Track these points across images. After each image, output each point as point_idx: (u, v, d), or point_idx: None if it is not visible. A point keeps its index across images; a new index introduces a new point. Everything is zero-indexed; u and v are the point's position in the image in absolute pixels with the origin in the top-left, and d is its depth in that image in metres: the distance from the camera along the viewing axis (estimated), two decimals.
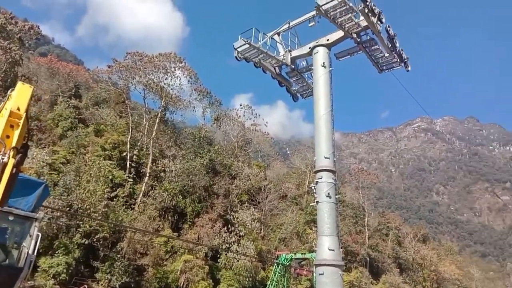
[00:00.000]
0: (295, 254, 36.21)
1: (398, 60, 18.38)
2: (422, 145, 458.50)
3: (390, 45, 17.75)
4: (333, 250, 14.51)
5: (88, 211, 35.72)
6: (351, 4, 15.64)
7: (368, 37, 17.68)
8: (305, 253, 36.14)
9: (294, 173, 68.70)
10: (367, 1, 15.25)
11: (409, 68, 18.82)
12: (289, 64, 20.00)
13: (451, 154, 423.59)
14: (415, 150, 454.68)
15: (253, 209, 47.46)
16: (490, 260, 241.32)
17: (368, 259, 52.24)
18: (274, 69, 20.68)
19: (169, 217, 44.91)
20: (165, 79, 54.23)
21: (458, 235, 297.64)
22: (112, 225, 35.44)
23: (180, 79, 55.98)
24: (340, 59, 19.63)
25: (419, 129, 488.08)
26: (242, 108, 65.73)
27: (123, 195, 43.19)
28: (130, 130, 50.51)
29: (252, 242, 42.88)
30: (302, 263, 39.46)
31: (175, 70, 55.03)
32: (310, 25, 18.64)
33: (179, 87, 56.61)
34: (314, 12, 17.38)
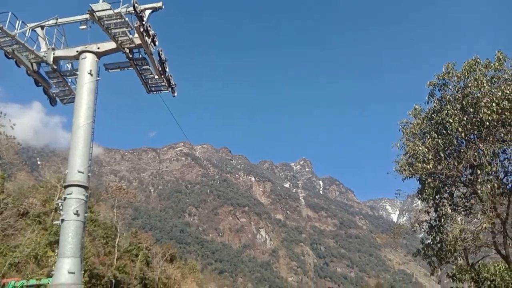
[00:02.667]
0: (27, 280, 31.21)
1: (167, 84, 19.15)
2: (182, 168, 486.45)
3: (160, 69, 18.33)
4: (73, 273, 13.28)
5: None
6: (127, 19, 15.43)
7: (140, 55, 17.77)
8: (40, 279, 31.71)
9: (42, 187, 60.37)
10: (143, 21, 15.38)
11: (175, 94, 19.80)
12: (51, 63, 17.87)
13: (205, 178, 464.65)
14: (175, 173, 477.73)
15: None
16: (225, 275, 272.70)
17: (114, 281, 50.40)
18: (32, 65, 18.04)
19: None
20: None
21: (202, 253, 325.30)
22: None
23: None
24: (109, 70, 18.92)
25: (181, 153, 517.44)
26: None
27: None
28: None
29: None
30: None
31: None
32: (81, 27, 17.36)
33: None
34: (87, 16, 16.31)
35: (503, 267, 22.45)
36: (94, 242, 51.48)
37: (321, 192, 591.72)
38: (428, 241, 19.98)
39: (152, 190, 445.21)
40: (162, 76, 18.70)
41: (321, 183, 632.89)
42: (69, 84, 19.50)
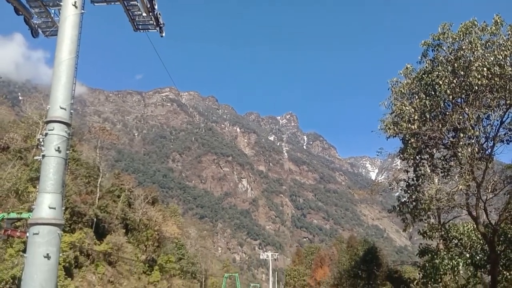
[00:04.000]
0: (8, 214, 31.34)
1: (155, 23, 18.27)
2: (167, 114, 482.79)
3: (149, 5, 17.39)
4: (54, 208, 13.29)
5: None
6: None
7: None
8: (21, 213, 31.87)
9: (24, 123, 59.21)
10: None
11: (163, 34, 18.90)
12: None
13: (190, 126, 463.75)
14: (160, 118, 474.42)
15: None
16: (206, 221, 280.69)
17: (95, 220, 51.19)
18: None
19: None
20: None
21: (184, 199, 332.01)
22: None
23: None
24: (95, 3, 17.79)
25: (166, 99, 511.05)
26: None
27: None
28: None
29: None
30: (17, 224, 34.90)
31: None
32: None
33: None
34: None
35: (471, 227, 23.55)
36: (76, 180, 51.65)
37: (304, 147, 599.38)
38: (404, 199, 20.59)
39: (136, 134, 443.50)
40: (150, 13, 17.76)
41: (305, 138, 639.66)
42: (52, 15, 18.42)
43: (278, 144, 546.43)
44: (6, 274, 35.46)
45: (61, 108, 14.87)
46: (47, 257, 11.18)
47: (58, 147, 14.34)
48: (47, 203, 13.46)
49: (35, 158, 15.60)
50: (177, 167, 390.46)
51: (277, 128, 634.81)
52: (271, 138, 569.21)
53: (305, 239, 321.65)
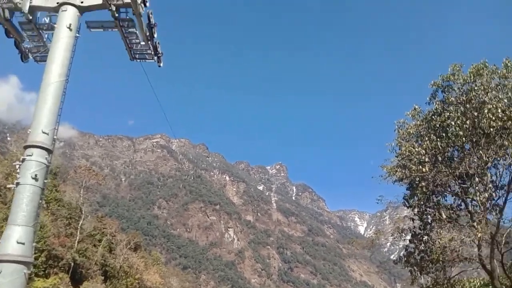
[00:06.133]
0: None
1: (153, 52, 17.56)
2: (156, 160, 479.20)
3: (148, 33, 16.69)
4: (23, 243, 11.52)
5: None
6: None
7: (127, 16, 16.12)
8: None
9: (7, 160, 57.21)
10: None
11: (161, 64, 18.16)
12: (26, 12, 15.95)
13: (179, 173, 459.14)
14: (148, 164, 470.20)
15: None
16: (189, 271, 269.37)
17: (72, 264, 47.85)
18: (3, 11, 16.08)
19: None
20: None
21: (168, 247, 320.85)
22: None
23: None
24: (91, 29, 17.08)
25: (157, 145, 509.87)
26: None
27: None
28: None
29: None
30: None
31: None
32: None
33: None
34: None
35: (478, 283, 21.88)
36: (56, 222, 48.86)
37: (293, 198, 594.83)
38: (410, 249, 19.08)
39: (123, 179, 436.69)
40: (149, 42, 17.05)
41: (295, 189, 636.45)
42: (45, 40, 17.58)
43: (267, 194, 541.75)
44: None
45: (43, 132, 13.42)
46: None
47: (35, 175, 12.73)
48: (15, 237, 11.62)
49: (8, 186, 13.98)
50: (163, 214, 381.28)
51: (267, 178, 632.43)
52: (260, 188, 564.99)
53: None
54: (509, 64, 15.61)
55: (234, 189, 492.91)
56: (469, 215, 17.31)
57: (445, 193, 18.50)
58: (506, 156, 15.31)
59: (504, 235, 16.85)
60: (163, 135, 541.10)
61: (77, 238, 50.48)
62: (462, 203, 18.05)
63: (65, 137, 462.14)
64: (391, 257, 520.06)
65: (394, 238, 22.76)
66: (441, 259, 17.87)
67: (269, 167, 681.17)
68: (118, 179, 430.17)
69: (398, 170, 16.77)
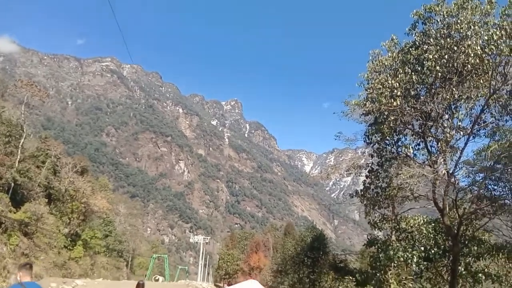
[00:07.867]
0: None
1: None
2: (105, 85, 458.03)
3: None
4: None
5: None
6: None
7: None
8: None
9: None
10: None
11: None
12: None
13: (130, 101, 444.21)
14: (97, 88, 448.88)
15: None
16: (137, 200, 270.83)
17: (13, 184, 45.32)
18: None
19: None
20: None
21: (116, 176, 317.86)
22: None
23: None
24: None
25: (107, 69, 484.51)
26: None
27: None
28: None
29: None
30: None
31: None
32: None
33: None
34: None
35: (422, 221, 22.96)
36: None
37: (246, 135, 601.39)
38: (366, 185, 19.27)
39: (69, 102, 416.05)
40: None
41: (248, 127, 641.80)
42: None
43: (220, 129, 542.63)
44: None
45: None
46: None
47: None
48: None
49: None
50: (111, 142, 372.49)
51: (221, 113, 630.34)
52: (214, 123, 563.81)
53: (236, 225, 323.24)
54: (493, 0, 14.91)
55: (187, 122, 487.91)
56: (428, 154, 17.39)
57: (406, 131, 18.40)
58: (473, 97, 15.12)
59: (460, 173, 17.23)
60: (114, 58, 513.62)
61: (18, 157, 47.41)
62: (421, 143, 18.06)
63: (5, 51, 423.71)
64: (332, 195, 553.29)
65: (349, 173, 22.99)
66: (395, 195, 18.15)
67: (224, 103, 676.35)
68: (64, 102, 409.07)
69: (367, 103, 16.20)
